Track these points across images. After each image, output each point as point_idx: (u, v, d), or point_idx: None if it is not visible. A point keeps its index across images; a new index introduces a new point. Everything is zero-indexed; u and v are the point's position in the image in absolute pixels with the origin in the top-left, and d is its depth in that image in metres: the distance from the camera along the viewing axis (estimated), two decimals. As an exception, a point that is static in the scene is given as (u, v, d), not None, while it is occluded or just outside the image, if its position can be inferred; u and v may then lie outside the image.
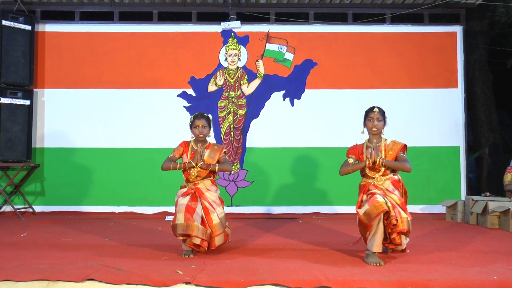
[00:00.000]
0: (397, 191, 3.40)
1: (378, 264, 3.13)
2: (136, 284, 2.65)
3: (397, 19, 6.44)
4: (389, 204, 3.21)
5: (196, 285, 2.64)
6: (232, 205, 6.08)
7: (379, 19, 6.44)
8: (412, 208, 5.95)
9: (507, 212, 4.75)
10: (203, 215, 3.44)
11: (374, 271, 2.91)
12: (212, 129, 3.81)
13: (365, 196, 3.35)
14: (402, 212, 3.24)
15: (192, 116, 3.69)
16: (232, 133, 6.24)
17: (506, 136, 10.72)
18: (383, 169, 3.41)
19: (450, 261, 3.23)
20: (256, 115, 6.27)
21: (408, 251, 3.62)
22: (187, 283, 2.66)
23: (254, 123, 6.26)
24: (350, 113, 6.25)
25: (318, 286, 2.63)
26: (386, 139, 3.51)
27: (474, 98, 7.79)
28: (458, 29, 6.39)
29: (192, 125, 3.65)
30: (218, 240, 3.47)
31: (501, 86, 9.70)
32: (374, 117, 3.46)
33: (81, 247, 3.74)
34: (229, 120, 6.24)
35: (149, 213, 6.02)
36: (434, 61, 6.35)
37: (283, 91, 6.30)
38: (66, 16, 6.89)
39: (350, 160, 3.49)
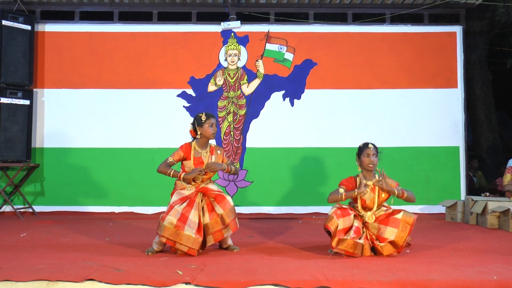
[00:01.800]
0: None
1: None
2: (136, 284, 2.65)
3: (396, 19, 6.44)
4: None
5: (196, 285, 2.64)
6: (231, 205, 6.08)
7: (379, 19, 6.44)
8: (412, 208, 5.94)
9: (506, 212, 4.75)
10: (201, 218, 3.42)
11: (373, 271, 2.91)
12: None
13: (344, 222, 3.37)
14: (386, 233, 3.35)
15: (203, 115, 3.58)
16: (232, 133, 6.24)
17: (505, 136, 10.73)
18: (375, 207, 3.48)
19: (450, 261, 3.23)
20: (256, 115, 6.27)
21: (407, 251, 3.62)
22: (186, 283, 2.65)
23: (254, 123, 6.26)
24: (349, 113, 6.27)
25: (317, 286, 2.63)
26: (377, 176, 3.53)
27: (473, 98, 7.80)
28: (457, 29, 6.39)
29: (204, 123, 3.55)
30: (233, 226, 3.48)
31: (500, 86, 9.71)
32: (370, 153, 3.49)
33: (80, 247, 3.74)
34: (229, 120, 6.24)
35: (148, 213, 6.01)
36: (433, 61, 6.35)
37: (283, 91, 6.30)
38: (66, 16, 6.89)
39: (341, 190, 3.48)
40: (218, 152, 3.67)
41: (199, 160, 3.57)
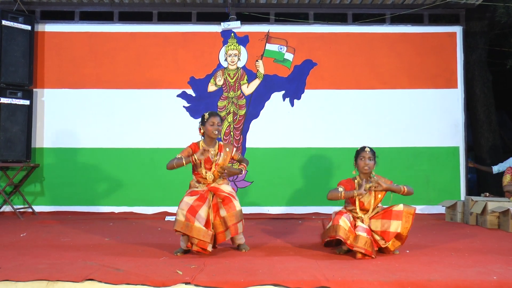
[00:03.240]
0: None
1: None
2: (136, 284, 2.65)
3: (396, 20, 6.44)
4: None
5: (196, 285, 2.64)
6: (231, 205, 6.07)
7: (379, 20, 6.44)
8: (412, 209, 5.96)
9: (506, 213, 4.75)
10: (210, 216, 3.45)
11: (373, 271, 2.91)
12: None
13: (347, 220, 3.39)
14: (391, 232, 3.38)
15: (206, 114, 3.60)
16: (232, 133, 6.24)
17: (505, 136, 10.72)
18: (371, 209, 3.52)
19: (450, 262, 3.23)
20: (256, 115, 6.27)
21: (407, 251, 3.62)
22: (186, 283, 2.66)
23: (254, 123, 6.26)
24: (349, 114, 6.26)
25: (317, 286, 2.63)
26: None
27: (473, 98, 7.79)
28: (457, 30, 6.39)
29: (206, 122, 3.57)
30: (233, 230, 3.46)
31: (500, 86, 9.70)
32: (366, 156, 3.54)
33: (80, 247, 3.74)
34: (229, 120, 6.25)
35: (148, 213, 6.01)
36: (433, 61, 6.35)
37: (283, 91, 6.30)
38: (65, 16, 6.88)
39: (340, 189, 3.50)
40: (227, 149, 3.69)
41: (208, 159, 3.57)
